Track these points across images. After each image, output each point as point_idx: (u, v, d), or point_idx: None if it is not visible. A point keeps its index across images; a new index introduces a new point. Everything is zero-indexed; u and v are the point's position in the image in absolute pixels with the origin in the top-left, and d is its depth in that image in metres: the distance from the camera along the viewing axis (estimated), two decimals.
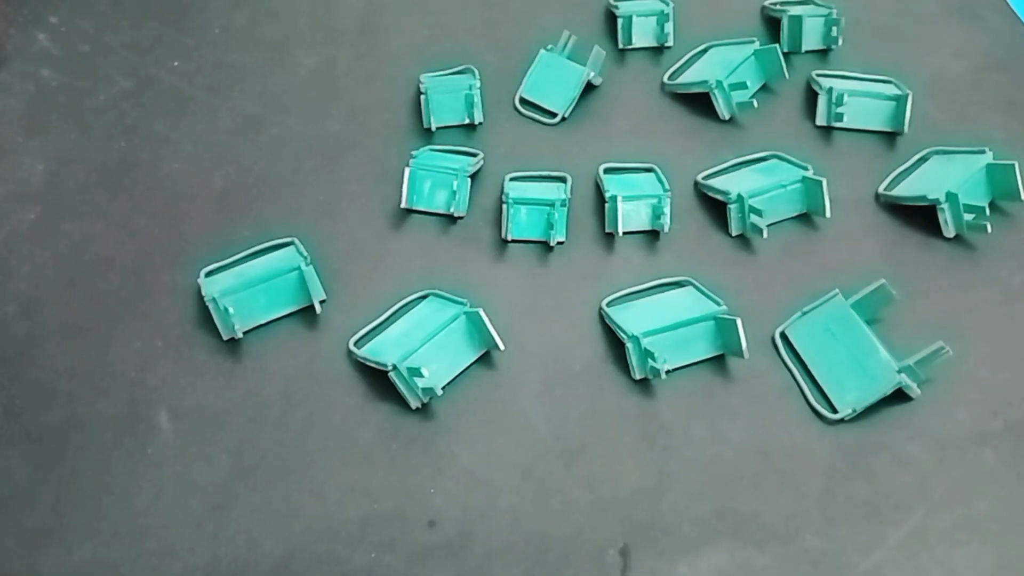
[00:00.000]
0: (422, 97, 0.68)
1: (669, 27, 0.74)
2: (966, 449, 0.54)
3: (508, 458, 0.53)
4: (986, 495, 0.52)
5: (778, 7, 0.75)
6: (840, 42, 0.74)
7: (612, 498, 0.52)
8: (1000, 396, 0.56)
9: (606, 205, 0.63)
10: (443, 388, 0.53)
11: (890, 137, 0.69)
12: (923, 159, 0.67)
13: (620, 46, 0.75)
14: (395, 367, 0.53)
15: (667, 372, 0.55)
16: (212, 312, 0.57)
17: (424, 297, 0.60)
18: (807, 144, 0.69)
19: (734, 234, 0.63)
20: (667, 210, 0.63)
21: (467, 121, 0.69)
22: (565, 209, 0.63)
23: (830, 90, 0.69)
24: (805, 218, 0.65)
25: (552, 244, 0.62)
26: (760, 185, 0.63)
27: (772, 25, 0.76)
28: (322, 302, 0.58)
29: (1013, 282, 0.61)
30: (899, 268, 0.61)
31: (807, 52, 0.74)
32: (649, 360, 0.54)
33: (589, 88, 0.71)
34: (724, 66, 0.71)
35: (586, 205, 0.65)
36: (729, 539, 0.50)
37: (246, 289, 0.58)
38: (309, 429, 0.54)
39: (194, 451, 0.53)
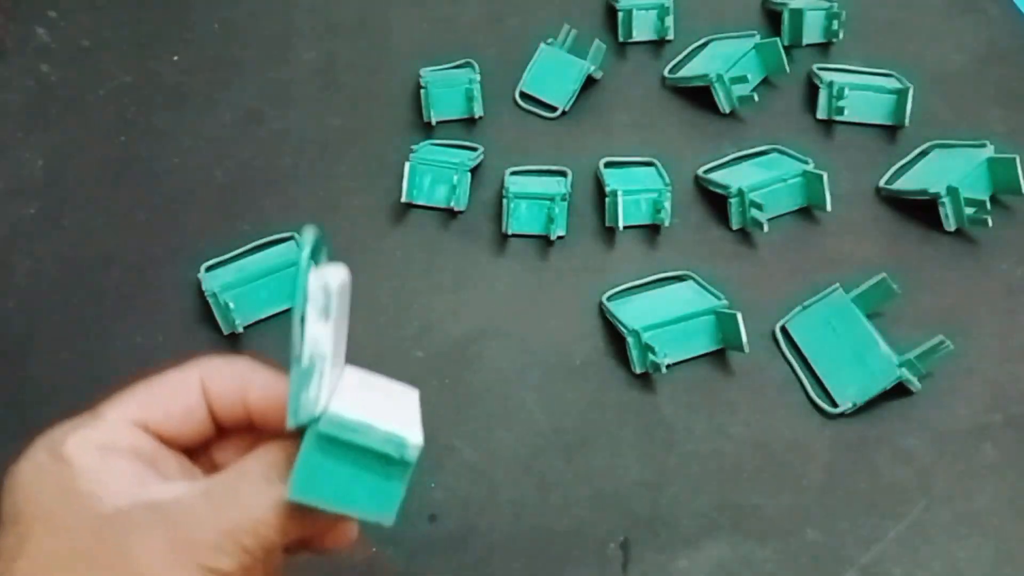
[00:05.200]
0: (422, 91, 0.68)
1: (669, 21, 0.74)
2: (967, 443, 0.54)
3: (508, 452, 0.53)
4: (987, 489, 0.52)
5: (779, 1, 0.75)
6: (841, 36, 0.73)
7: (612, 492, 0.52)
8: (1001, 390, 0.56)
9: (606, 199, 0.62)
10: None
11: (891, 131, 0.69)
12: (924, 153, 0.67)
13: (620, 40, 0.74)
14: None
15: (667, 366, 0.55)
16: (213, 307, 0.57)
17: None
18: (808, 138, 0.69)
19: (734, 228, 0.63)
20: (667, 204, 0.63)
21: (467, 115, 0.69)
22: (565, 203, 0.63)
23: (831, 84, 0.68)
24: (806, 212, 0.64)
25: (552, 238, 0.62)
26: (760, 179, 0.63)
27: (773, 19, 0.76)
28: None
29: (1014, 276, 0.61)
30: (900, 262, 0.61)
31: (808, 46, 0.73)
32: (649, 354, 0.54)
33: (589, 82, 0.71)
34: (725, 60, 0.70)
35: (586, 199, 0.65)
36: (729, 532, 0.50)
37: (247, 284, 0.58)
38: None
39: None
